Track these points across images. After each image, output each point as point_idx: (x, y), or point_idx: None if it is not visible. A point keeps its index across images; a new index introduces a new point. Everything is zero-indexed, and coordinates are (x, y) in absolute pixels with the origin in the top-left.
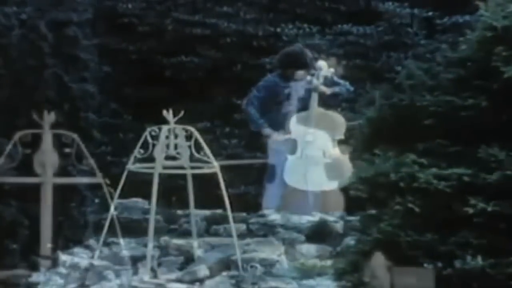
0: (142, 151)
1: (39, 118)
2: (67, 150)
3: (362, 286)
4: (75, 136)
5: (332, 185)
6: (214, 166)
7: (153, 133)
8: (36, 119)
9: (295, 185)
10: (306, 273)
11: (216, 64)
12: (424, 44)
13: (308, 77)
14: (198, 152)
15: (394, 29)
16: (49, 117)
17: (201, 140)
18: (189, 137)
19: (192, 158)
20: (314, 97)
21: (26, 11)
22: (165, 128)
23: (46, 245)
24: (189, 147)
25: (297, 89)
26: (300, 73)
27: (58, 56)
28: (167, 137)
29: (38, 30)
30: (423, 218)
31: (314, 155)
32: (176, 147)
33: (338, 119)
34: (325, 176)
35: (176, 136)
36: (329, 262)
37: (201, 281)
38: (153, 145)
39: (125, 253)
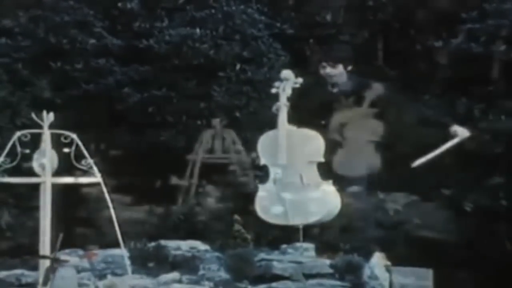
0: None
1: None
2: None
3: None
4: (74, 136)
5: (318, 216)
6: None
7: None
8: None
9: (274, 221)
10: None
11: None
12: None
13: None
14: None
15: None
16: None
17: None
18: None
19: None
20: (283, 112)
21: None
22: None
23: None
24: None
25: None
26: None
27: None
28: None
29: None
30: None
31: (289, 181)
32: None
33: (314, 138)
34: (307, 206)
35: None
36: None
37: None
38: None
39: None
